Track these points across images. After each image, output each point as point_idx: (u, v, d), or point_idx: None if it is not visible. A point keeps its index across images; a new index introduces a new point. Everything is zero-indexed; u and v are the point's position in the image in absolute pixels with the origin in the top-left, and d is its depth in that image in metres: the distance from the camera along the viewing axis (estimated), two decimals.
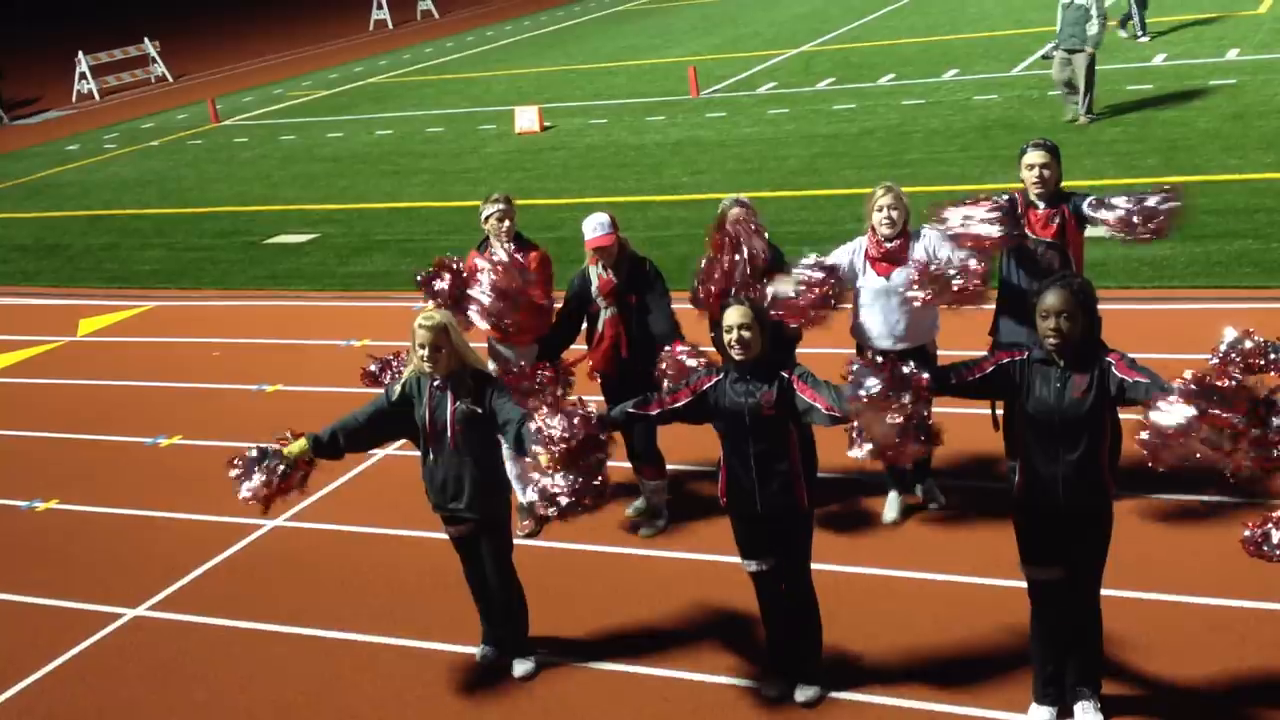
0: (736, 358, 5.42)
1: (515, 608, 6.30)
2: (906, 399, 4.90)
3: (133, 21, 49.04)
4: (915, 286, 6.49)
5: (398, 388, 6.01)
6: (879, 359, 5.14)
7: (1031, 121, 16.11)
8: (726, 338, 5.42)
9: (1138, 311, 9.67)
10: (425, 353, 5.79)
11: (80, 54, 33.62)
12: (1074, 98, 15.69)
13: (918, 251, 6.72)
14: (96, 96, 33.26)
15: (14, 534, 8.70)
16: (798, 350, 7.00)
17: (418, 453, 6.11)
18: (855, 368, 5.06)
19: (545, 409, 5.41)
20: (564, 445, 5.23)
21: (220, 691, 6.52)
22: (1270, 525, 4.82)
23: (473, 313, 7.09)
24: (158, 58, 35.45)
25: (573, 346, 7.38)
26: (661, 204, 15.04)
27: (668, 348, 6.67)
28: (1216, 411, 4.36)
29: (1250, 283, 10.11)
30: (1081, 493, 5.04)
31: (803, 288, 6.51)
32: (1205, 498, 6.94)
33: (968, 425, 6.98)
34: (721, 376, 5.53)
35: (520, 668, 6.30)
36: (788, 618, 5.80)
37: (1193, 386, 4.43)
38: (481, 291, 7.06)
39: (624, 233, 7.28)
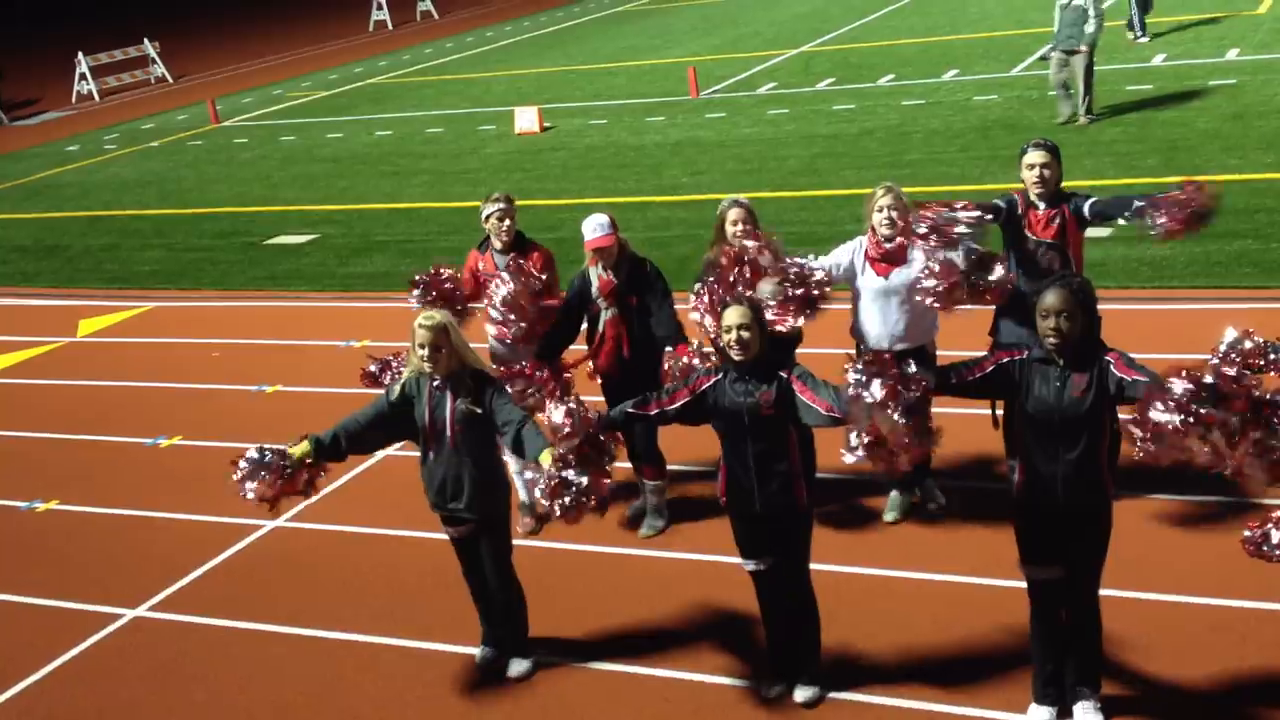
0: (736, 358, 5.42)
1: (515, 608, 6.30)
2: (907, 400, 4.89)
3: (132, 22, 49.04)
4: (929, 282, 6.31)
5: (397, 388, 6.01)
6: (881, 357, 5.11)
7: (1031, 122, 16.11)
8: (726, 338, 5.43)
9: (1138, 311, 9.67)
10: (425, 353, 5.79)
11: (80, 55, 33.63)
12: (1068, 99, 15.71)
13: (917, 252, 6.70)
14: (96, 97, 33.27)
15: (13, 534, 8.70)
16: (798, 350, 6.99)
17: (417, 453, 6.11)
18: (857, 367, 5.04)
19: (550, 405, 5.40)
20: (570, 439, 5.23)
21: (220, 692, 6.52)
22: (1270, 525, 4.83)
23: (488, 327, 7.19)
24: (157, 58, 35.46)
25: (572, 347, 7.38)
26: (661, 204, 15.04)
27: (670, 349, 6.68)
28: (1208, 410, 4.35)
29: (1250, 283, 10.11)
30: (1081, 492, 5.04)
31: (782, 296, 6.38)
32: (1205, 498, 6.94)
33: (968, 425, 6.99)
34: (721, 376, 5.53)
35: (516, 668, 6.30)
36: (787, 618, 5.80)
37: (1189, 385, 4.42)
38: (493, 306, 7.14)
39: (624, 233, 7.27)
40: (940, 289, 6.29)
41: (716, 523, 6.82)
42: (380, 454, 8.62)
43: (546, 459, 5.31)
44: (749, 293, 6.15)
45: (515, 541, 6.31)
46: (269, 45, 41.70)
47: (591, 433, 5.31)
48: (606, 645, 6.47)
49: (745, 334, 5.39)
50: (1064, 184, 6.81)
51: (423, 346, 5.79)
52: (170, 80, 35.17)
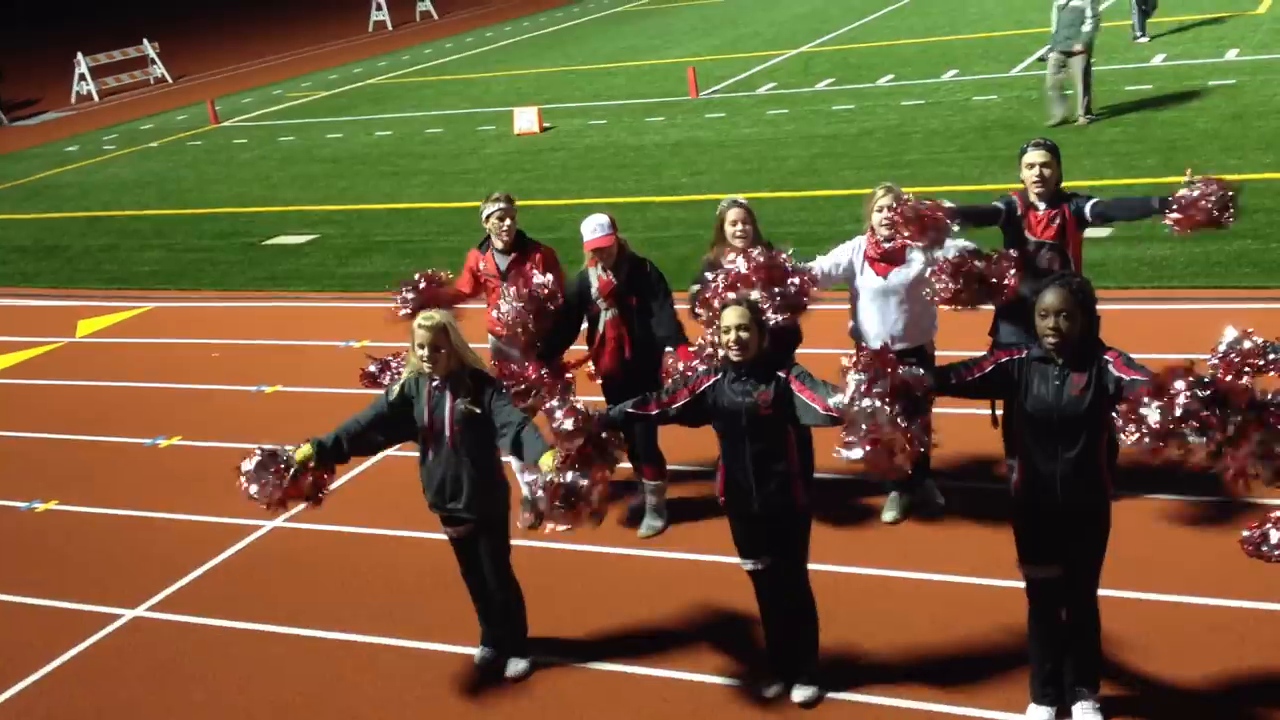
0: (734, 358, 5.43)
1: (514, 608, 6.30)
2: (908, 402, 4.88)
3: (132, 22, 49.05)
4: (936, 280, 6.16)
5: (396, 388, 6.01)
6: (882, 354, 5.07)
7: (1031, 122, 16.11)
8: (724, 338, 5.43)
9: (1137, 311, 9.67)
10: (425, 353, 5.80)
11: (79, 55, 33.65)
12: (1062, 101, 15.70)
13: (916, 251, 6.70)
14: (96, 97, 33.28)
15: (13, 534, 8.70)
16: (798, 350, 6.99)
17: (416, 453, 6.11)
18: (857, 368, 5.02)
19: (553, 405, 5.39)
20: (574, 439, 5.22)
21: (219, 692, 6.52)
22: (1270, 525, 4.82)
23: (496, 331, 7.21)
24: (157, 59, 35.47)
25: (572, 347, 7.38)
26: (661, 205, 15.04)
27: (671, 350, 6.67)
28: (1200, 408, 4.34)
29: (1250, 283, 10.12)
30: (1080, 491, 5.04)
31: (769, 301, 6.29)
32: (1204, 498, 6.94)
33: (968, 425, 6.99)
34: (720, 376, 5.53)
35: (515, 668, 6.30)
36: (786, 617, 5.80)
37: (1188, 385, 4.42)
38: (500, 315, 7.13)
39: (623, 234, 7.28)
40: (949, 289, 6.17)
41: (715, 523, 6.81)
42: (380, 454, 8.64)
43: (547, 461, 5.31)
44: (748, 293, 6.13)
45: (514, 541, 6.31)
46: (269, 45, 41.72)
47: (594, 432, 5.31)
48: (605, 645, 6.47)
49: (744, 334, 5.39)
50: (1064, 184, 6.81)
51: (422, 347, 5.79)
52: (170, 80, 35.17)
